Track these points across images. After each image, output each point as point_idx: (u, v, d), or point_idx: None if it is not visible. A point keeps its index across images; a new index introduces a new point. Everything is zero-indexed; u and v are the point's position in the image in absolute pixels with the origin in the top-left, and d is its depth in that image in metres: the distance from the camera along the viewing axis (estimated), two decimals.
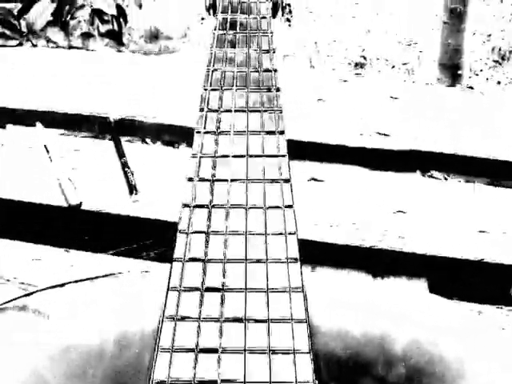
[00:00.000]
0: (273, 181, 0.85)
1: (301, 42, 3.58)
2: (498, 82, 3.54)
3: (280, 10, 1.36)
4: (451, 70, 3.21)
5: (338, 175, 1.62)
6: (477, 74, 3.61)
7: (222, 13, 1.24)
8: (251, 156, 0.89)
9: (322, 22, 3.75)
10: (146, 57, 3.13)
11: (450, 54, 3.20)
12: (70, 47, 2.93)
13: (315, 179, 1.61)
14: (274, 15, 1.32)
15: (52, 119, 1.86)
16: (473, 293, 1.36)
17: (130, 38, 3.49)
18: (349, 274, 1.31)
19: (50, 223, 1.60)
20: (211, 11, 1.35)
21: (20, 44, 2.91)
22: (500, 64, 3.69)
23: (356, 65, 3.51)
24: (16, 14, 2.99)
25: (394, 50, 3.60)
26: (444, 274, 1.35)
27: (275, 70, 1.05)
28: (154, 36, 3.56)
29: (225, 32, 1.17)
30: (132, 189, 1.61)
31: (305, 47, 3.57)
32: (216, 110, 0.97)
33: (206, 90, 1.02)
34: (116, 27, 2.95)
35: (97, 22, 2.96)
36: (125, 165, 1.68)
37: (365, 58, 3.54)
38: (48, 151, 1.73)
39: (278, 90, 1.01)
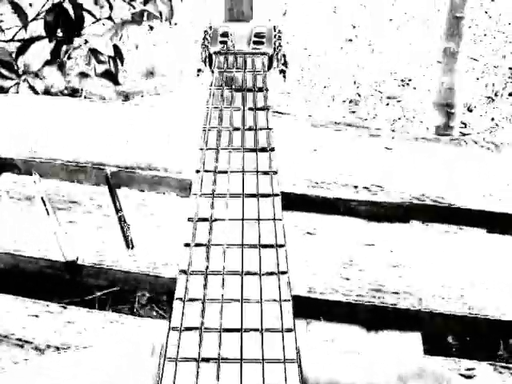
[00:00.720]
0: (268, 246, 0.87)
1: (295, 80, 3.61)
2: (492, 119, 3.57)
3: (275, 61, 1.38)
4: (445, 108, 3.23)
5: (332, 227, 1.63)
6: (470, 111, 3.64)
7: (217, 68, 1.26)
8: (247, 220, 0.90)
9: (317, 59, 3.78)
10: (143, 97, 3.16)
11: (443, 92, 3.22)
12: (67, 87, 2.95)
13: (309, 233, 1.62)
14: (269, 67, 1.34)
15: (49, 169, 1.86)
16: (466, 348, 1.36)
17: (126, 75, 3.52)
18: (342, 328, 1.32)
19: (46, 278, 1.60)
20: (207, 63, 1.37)
21: (17, 84, 2.92)
22: (493, 100, 3.72)
23: (350, 102, 3.54)
24: (14, 53, 3.01)
25: (388, 87, 3.63)
26: (438, 329, 1.36)
27: (270, 129, 1.07)
28: (150, 72, 3.59)
29: (221, 88, 1.18)
30: (128, 243, 1.62)
31: (299, 84, 3.60)
32: (212, 172, 0.99)
33: (201, 150, 1.03)
34: (112, 67, 2.97)
35: (93, 62, 2.99)
36: (121, 219, 1.69)
37: (359, 95, 3.57)
38: (45, 203, 1.73)
39: (272, 149, 1.02)
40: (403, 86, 3.65)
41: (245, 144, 1.03)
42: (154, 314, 1.57)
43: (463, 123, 3.52)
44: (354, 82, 3.62)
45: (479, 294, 1.40)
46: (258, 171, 0.97)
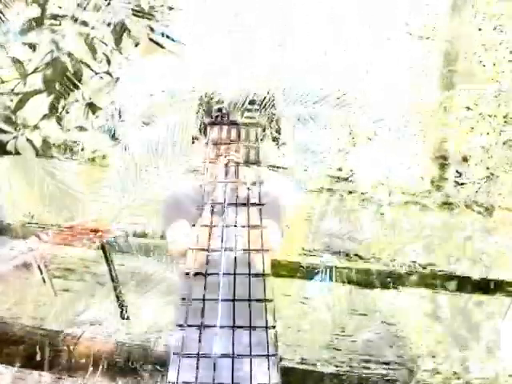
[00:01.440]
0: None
1: (291, 130, 3.62)
2: (487, 168, 3.58)
3: (268, 128, 1.39)
4: (440, 159, 3.25)
5: (323, 295, 1.64)
6: (466, 160, 3.65)
7: (212, 143, 1.27)
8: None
9: (314, 108, 3.80)
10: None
11: (438, 143, 3.25)
12: (65, 141, 2.96)
13: (303, 301, 1.63)
14: (262, 137, 1.35)
15: (44, 234, 1.87)
16: None
17: (123, 124, 3.53)
18: None
19: (43, 348, 1.60)
20: (202, 131, 1.39)
21: (15, 138, 2.94)
22: (488, 149, 3.73)
23: (346, 152, 3.55)
24: (13, 107, 3.03)
25: (383, 136, 3.64)
26: None
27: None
28: (147, 123, 3.60)
29: (215, 163, 1.20)
30: (123, 314, 1.62)
31: (295, 134, 3.61)
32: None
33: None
34: (110, 121, 2.99)
35: (91, 116, 3.01)
36: (116, 288, 1.70)
37: (354, 145, 3.58)
38: (42, 272, 1.74)
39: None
40: (398, 136, 3.67)
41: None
42: (151, 367, 1.57)
43: (458, 172, 3.53)
44: (350, 132, 3.63)
45: (473, 367, 1.40)
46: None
